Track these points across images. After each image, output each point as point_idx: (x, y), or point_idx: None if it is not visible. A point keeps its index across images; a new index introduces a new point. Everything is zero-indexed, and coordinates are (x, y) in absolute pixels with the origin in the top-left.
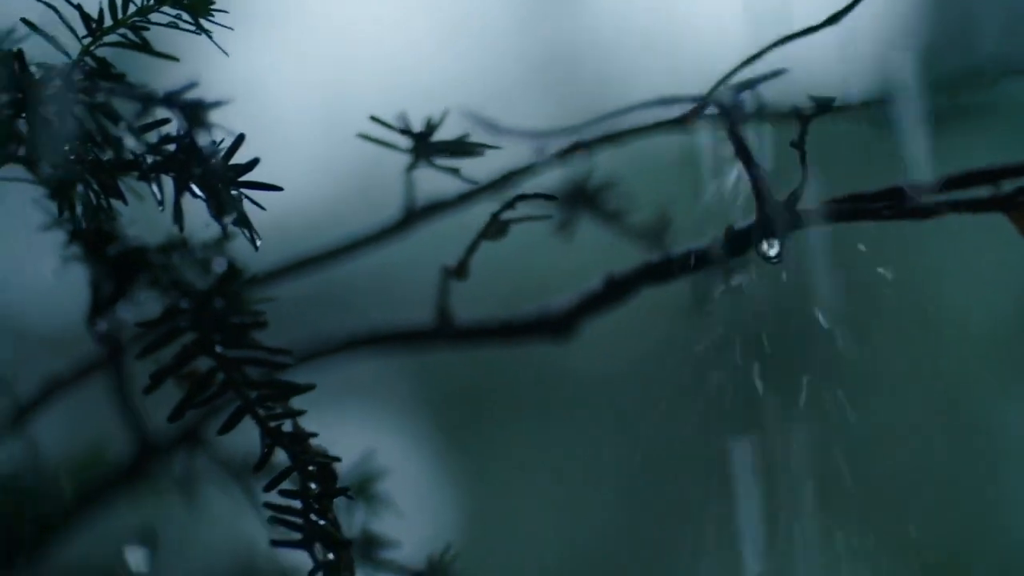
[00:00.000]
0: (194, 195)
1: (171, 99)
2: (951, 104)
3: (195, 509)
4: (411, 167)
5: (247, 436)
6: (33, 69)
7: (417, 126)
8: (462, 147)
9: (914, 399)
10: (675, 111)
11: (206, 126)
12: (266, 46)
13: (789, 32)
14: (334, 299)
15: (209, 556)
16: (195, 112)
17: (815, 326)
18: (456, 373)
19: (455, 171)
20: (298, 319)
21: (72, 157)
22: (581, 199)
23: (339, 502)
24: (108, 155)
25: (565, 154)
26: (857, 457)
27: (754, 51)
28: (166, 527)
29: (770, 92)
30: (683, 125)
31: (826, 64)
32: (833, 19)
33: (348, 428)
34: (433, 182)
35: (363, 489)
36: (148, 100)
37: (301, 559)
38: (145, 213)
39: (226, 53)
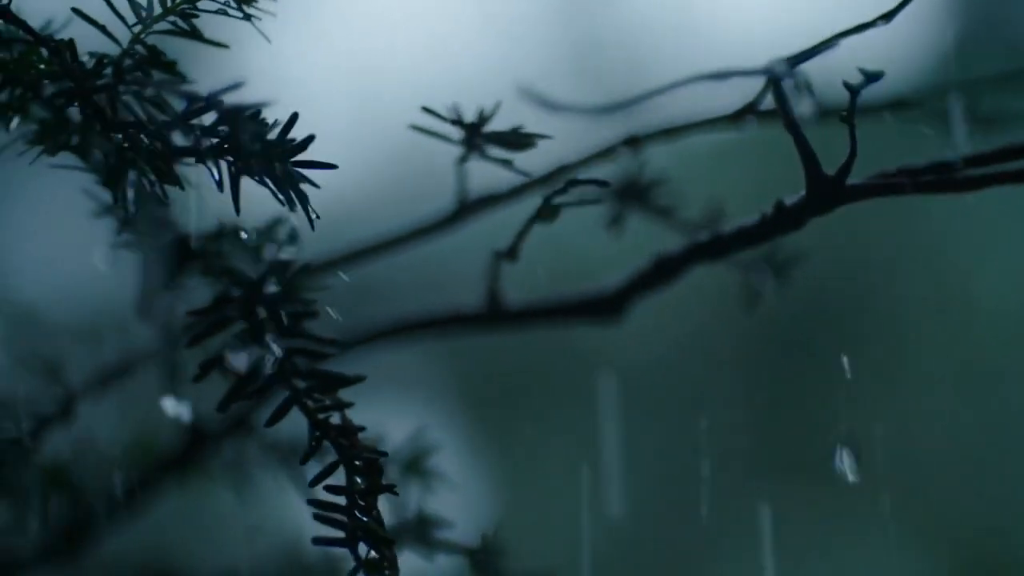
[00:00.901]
0: (251, 176)
1: (214, 102)
2: (988, 101)
3: (243, 496)
4: (463, 158)
5: (295, 422)
6: (84, 58)
7: (469, 116)
8: (515, 138)
9: (948, 388)
10: (722, 99)
11: (252, 126)
12: (301, 35)
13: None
14: (380, 287)
15: (256, 542)
16: (236, 116)
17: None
18: (489, 361)
19: (508, 163)
20: (346, 307)
21: (125, 145)
22: (632, 194)
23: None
24: (161, 142)
25: (618, 149)
26: (891, 446)
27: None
28: (214, 514)
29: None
30: (736, 121)
31: (866, 57)
32: (887, 16)
33: (380, 416)
34: (478, 168)
35: (415, 465)
36: (192, 100)
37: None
38: (192, 201)
39: (269, 40)
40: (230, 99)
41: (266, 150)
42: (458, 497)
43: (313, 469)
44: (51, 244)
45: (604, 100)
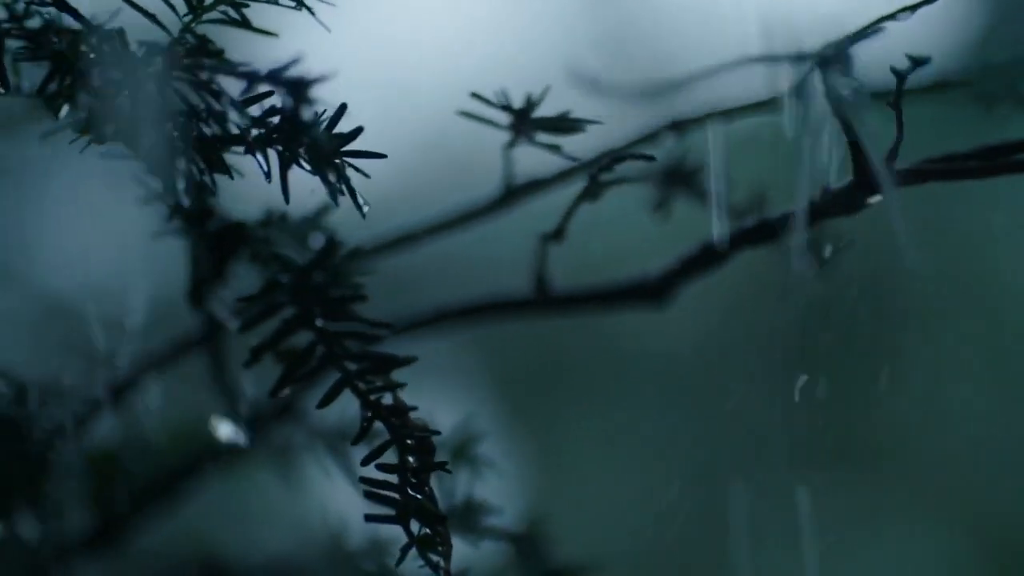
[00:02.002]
0: (300, 166)
1: (275, 76)
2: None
3: (290, 481)
4: (511, 144)
5: (340, 406)
6: (134, 47)
7: (517, 102)
8: (563, 124)
9: (985, 376)
10: (760, 82)
11: (310, 102)
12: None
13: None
14: (426, 273)
15: (302, 528)
16: (299, 89)
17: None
18: (522, 350)
19: (556, 148)
20: (393, 293)
21: (175, 134)
22: (677, 179)
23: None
24: (212, 130)
25: (663, 133)
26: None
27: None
28: (261, 499)
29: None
30: (781, 106)
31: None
32: (912, 8)
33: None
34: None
35: (463, 452)
36: (252, 78)
37: (399, 532)
38: (237, 187)
39: (328, 29)
40: (289, 75)
41: (317, 140)
42: (493, 483)
43: (362, 452)
44: (82, 233)
45: (636, 82)
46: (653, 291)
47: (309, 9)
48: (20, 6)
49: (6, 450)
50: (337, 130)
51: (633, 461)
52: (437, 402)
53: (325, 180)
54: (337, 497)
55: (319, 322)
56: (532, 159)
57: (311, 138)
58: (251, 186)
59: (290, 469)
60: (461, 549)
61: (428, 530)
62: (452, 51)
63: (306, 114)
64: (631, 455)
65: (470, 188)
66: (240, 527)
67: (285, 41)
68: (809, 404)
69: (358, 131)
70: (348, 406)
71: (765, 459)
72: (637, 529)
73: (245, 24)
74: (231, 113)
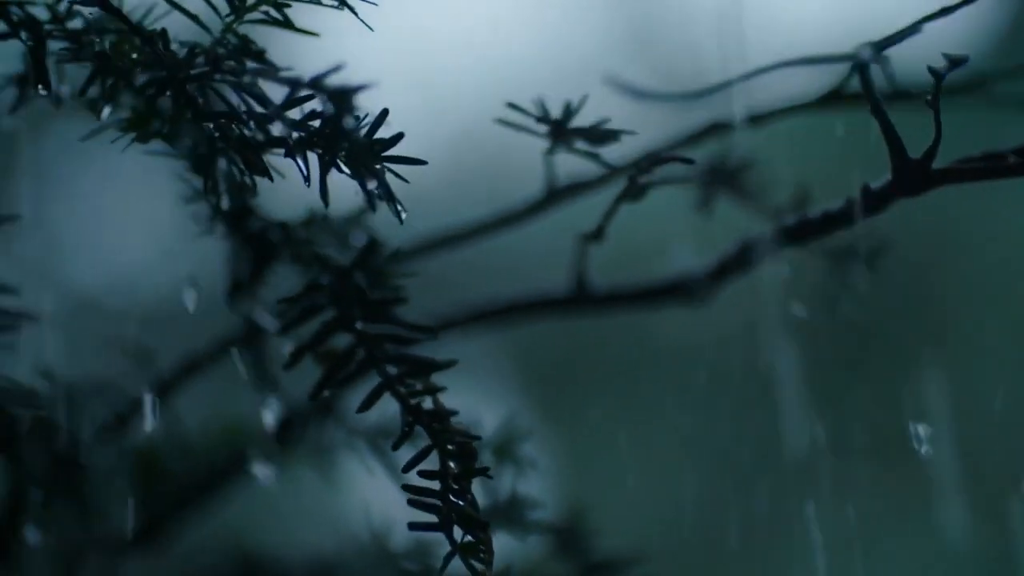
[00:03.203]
0: (340, 171)
1: (318, 84)
2: None
3: (330, 480)
4: (549, 151)
5: (380, 405)
6: (176, 47)
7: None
8: (600, 134)
9: (1016, 370)
10: (818, 84)
11: (352, 110)
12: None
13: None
14: (465, 273)
15: (342, 527)
16: (343, 98)
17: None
18: (547, 347)
19: (594, 156)
20: (434, 294)
21: (216, 134)
22: (720, 178)
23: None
24: (253, 133)
25: (703, 135)
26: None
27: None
28: (301, 498)
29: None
30: (822, 106)
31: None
32: (948, 10)
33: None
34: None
35: (507, 450)
36: (295, 84)
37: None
38: (277, 188)
39: (371, 28)
40: (332, 83)
41: (358, 146)
42: (528, 478)
43: (403, 452)
44: (119, 232)
45: (662, 82)
46: (693, 290)
47: (352, 9)
48: (63, 7)
49: (48, 450)
50: (378, 135)
51: (662, 456)
52: (466, 398)
53: (364, 186)
54: (378, 496)
55: (359, 325)
56: (571, 158)
57: (352, 143)
58: (292, 187)
59: (329, 468)
60: (505, 544)
61: (470, 536)
62: (479, 48)
63: (347, 119)
64: (660, 450)
65: (502, 185)
66: (280, 526)
67: (317, 40)
68: (840, 397)
69: (399, 137)
70: (388, 404)
71: (795, 453)
72: (668, 523)
73: (287, 24)
74: (272, 116)
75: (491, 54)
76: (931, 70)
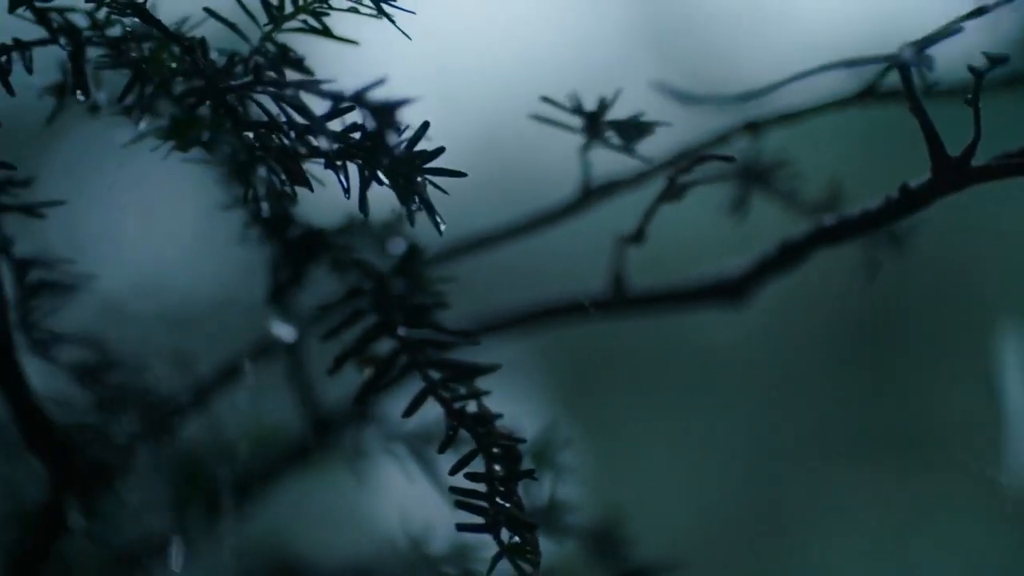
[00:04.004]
0: (380, 183)
1: (360, 99)
2: None
3: (369, 485)
4: (585, 147)
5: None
6: (215, 56)
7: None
8: (636, 127)
9: None
10: (846, 83)
11: (394, 125)
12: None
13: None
14: (501, 275)
15: (382, 531)
16: (385, 113)
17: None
18: (576, 348)
19: (630, 150)
20: (473, 296)
21: (256, 143)
22: (754, 176)
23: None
24: (293, 143)
25: (736, 134)
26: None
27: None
28: (341, 502)
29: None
30: (857, 103)
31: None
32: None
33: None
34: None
35: (545, 457)
36: (337, 98)
37: (482, 536)
38: (317, 194)
39: (408, 37)
40: (373, 98)
41: (400, 160)
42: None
43: (441, 458)
44: (136, 234)
45: (686, 81)
46: (732, 291)
47: (389, 18)
48: (102, 14)
49: (90, 454)
50: (418, 148)
51: (692, 457)
52: (494, 401)
53: (403, 200)
54: (416, 501)
55: (401, 330)
56: (601, 163)
57: (393, 156)
58: (330, 193)
59: (369, 473)
60: (543, 548)
61: (517, 538)
62: (504, 46)
63: (388, 133)
64: (690, 451)
65: (525, 188)
66: (320, 530)
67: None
68: (864, 397)
69: (440, 151)
70: (427, 409)
71: (826, 450)
72: (699, 524)
73: (326, 32)
74: (313, 127)
75: (515, 55)
76: (971, 69)
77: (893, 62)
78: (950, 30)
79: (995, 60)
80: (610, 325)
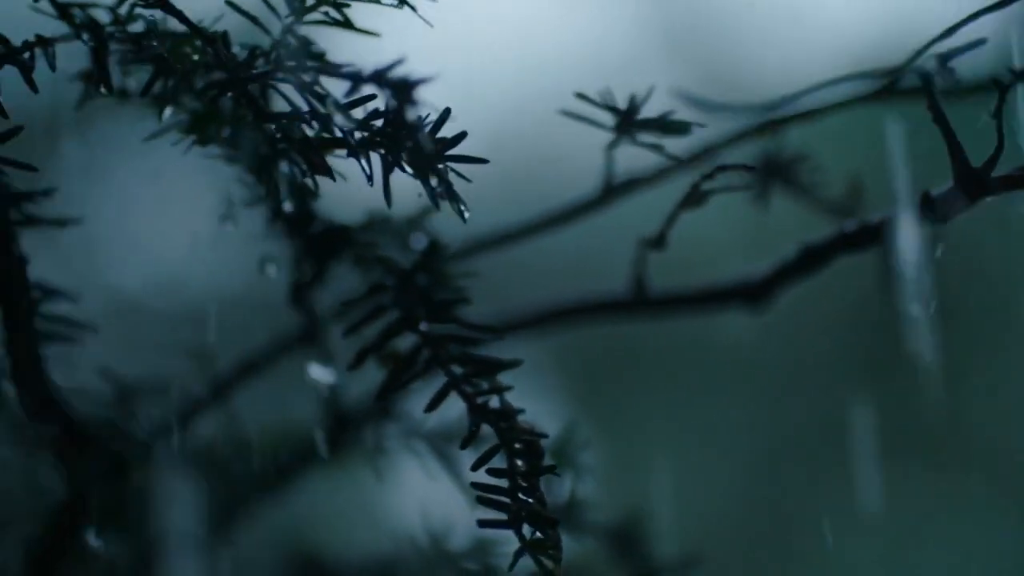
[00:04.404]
0: (403, 170)
1: (380, 77)
2: None
3: (389, 481)
4: (613, 144)
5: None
6: (236, 49)
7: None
8: (667, 125)
9: None
10: (870, 84)
11: (414, 103)
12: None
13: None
14: (525, 273)
15: (402, 527)
16: (404, 90)
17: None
18: (593, 346)
19: (658, 148)
20: (494, 293)
21: (277, 135)
22: (775, 172)
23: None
24: (315, 133)
25: (758, 132)
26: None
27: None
28: (358, 498)
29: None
30: (879, 99)
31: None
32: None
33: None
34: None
35: (565, 455)
36: (356, 79)
37: (503, 532)
38: (332, 190)
39: (431, 24)
40: (393, 76)
41: (422, 145)
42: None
43: (462, 454)
44: (151, 230)
45: (704, 80)
46: (752, 294)
47: (412, 7)
48: (124, 9)
49: (110, 451)
50: (440, 134)
51: (706, 455)
52: (513, 398)
53: (427, 185)
54: (436, 497)
55: (423, 326)
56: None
57: (414, 142)
58: (349, 189)
59: (389, 470)
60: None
61: (539, 533)
62: (518, 46)
63: (410, 116)
64: (705, 448)
65: (536, 187)
66: (340, 527)
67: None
68: (882, 392)
69: (462, 136)
70: (449, 407)
71: (845, 450)
72: (714, 523)
73: (347, 24)
74: (334, 115)
75: (528, 55)
76: (996, 82)
77: (917, 73)
78: (975, 43)
79: (1020, 74)
80: (625, 326)
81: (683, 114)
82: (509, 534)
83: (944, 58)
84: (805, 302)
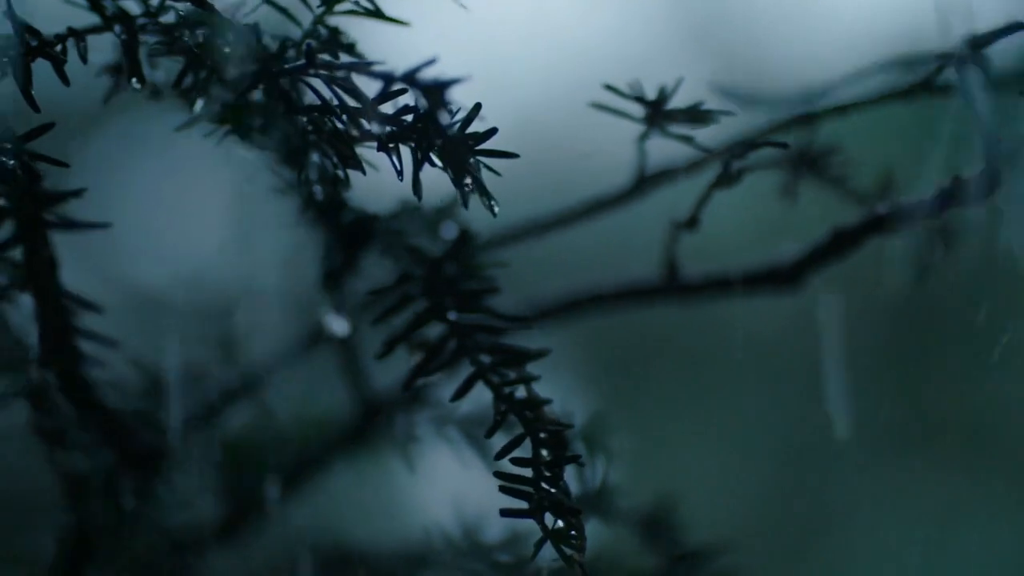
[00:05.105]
0: (432, 164)
1: (412, 79)
2: None
3: (416, 470)
4: (644, 136)
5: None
6: (267, 41)
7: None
8: (697, 115)
9: None
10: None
11: (446, 104)
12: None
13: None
14: (555, 261)
15: (431, 518)
16: (436, 92)
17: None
18: (618, 335)
19: (688, 139)
20: (525, 282)
21: (308, 128)
22: (805, 163)
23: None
24: (346, 126)
25: (791, 126)
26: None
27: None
28: (389, 488)
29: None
30: (916, 95)
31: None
32: None
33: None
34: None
35: (595, 443)
36: (388, 79)
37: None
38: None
39: (464, 7)
40: (425, 78)
41: (452, 141)
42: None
43: (493, 444)
44: (173, 223)
45: (727, 74)
46: (785, 277)
47: None
48: (155, 1)
49: (141, 441)
50: (470, 129)
51: (730, 444)
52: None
53: (457, 180)
54: (468, 487)
55: (452, 315)
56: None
57: (445, 137)
58: (380, 178)
59: (420, 459)
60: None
61: (562, 523)
62: (542, 39)
63: (440, 114)
64: (729, 438)
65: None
66: (370, 517)
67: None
68: (905, 387)
69: (492, 131)
70: (477, 396)
71: (871, 441)
72: (738, 511)
73: (378, 14)
74: (366, 110)
75: (553, 48)
76: None
77: (949, 60)
78: (1010, 28)
79: None
80: (649, 314)
81: (715, 105)
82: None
83: (977, 45)
84: (833, 293)
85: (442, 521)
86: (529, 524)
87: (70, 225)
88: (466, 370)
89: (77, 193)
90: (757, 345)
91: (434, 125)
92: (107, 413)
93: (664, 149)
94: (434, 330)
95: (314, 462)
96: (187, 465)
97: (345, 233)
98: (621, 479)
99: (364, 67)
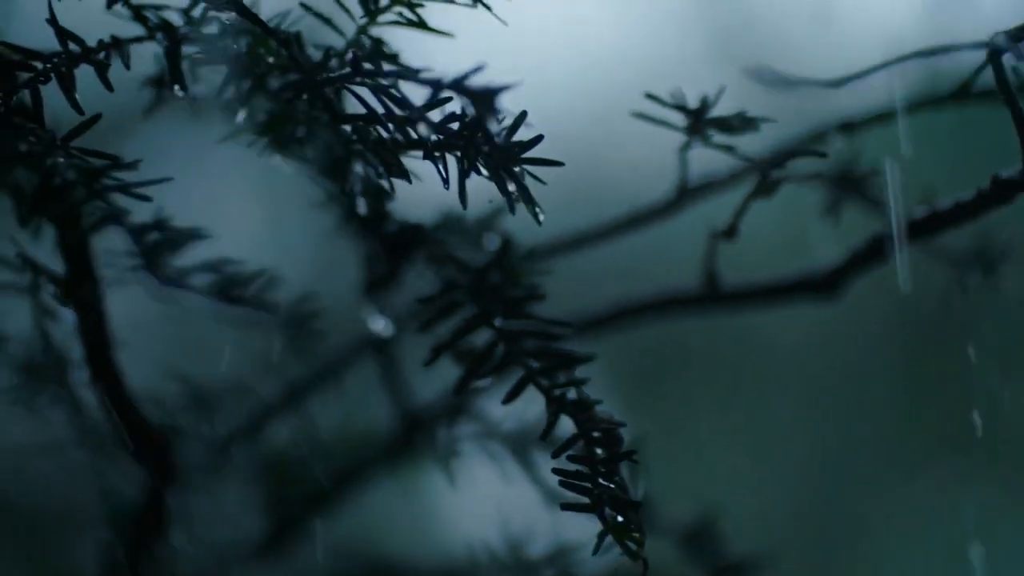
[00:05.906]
0: (478, 173)
1: (460, 85)
2: None
3: (458, 483)
4: (686, 145)
5: (517, 408)
6: (311, 51)
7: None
8: (739, 123)
9: None
10: (938, 80)
11: (495, 111)
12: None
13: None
14: (597, 271)
15: (474, 531)
16: (486, 99)
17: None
18: (649, 345)
19: (730, 148)
20: (569, 292)
21: (353, 137)
22: (848, 183)
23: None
24: (391, 135)
25: (831, 134)
26: None
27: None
28: (431, 502)
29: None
30: (955, 102)
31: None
32: None
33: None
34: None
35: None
36: (436, 86)
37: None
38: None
39: (505, 23)
40: (473, 84)
41: (498, 148)
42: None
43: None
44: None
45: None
46: (824, 286)
47: (487, 6)
48: (198, 11)
49: (185, 454)
50: (516, 137)
51: (763, 453)
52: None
53: (503, 188)
54: (515, 502)
55: (498, 322)
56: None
57: (491, 145)
58: (423, 188)
59: (462, 472)
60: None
61: (621, 517)
62: (566, 45)
63: (488, 122)
64: (760, 448)
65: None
66: (412, 531)
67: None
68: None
69: (538, 139)
70: (527, 409)
71: (899, 450)
72: (754, 517)
73: (421, 24)
74: (412, 118)
75: (577, 54)
76: None
77: (985, 50)
78: None
79: None
80: (683, 325)
81: (753, 110)
82: (588, 539)
83: (1014, 35)
84: (867, 302)
85: (486, 536)
86: (574, 539)
87: (123, 188)
88: (514, 376)
89: (132, 165)
90: (790, 353)
91: (482, 131)
92: (149, 428)
93: (699, 158)
94: (480, 337)
95: (356, 476)
96: (229, 480)
97: (388, 244)
98: (656, 490)
99: (411, 74)
